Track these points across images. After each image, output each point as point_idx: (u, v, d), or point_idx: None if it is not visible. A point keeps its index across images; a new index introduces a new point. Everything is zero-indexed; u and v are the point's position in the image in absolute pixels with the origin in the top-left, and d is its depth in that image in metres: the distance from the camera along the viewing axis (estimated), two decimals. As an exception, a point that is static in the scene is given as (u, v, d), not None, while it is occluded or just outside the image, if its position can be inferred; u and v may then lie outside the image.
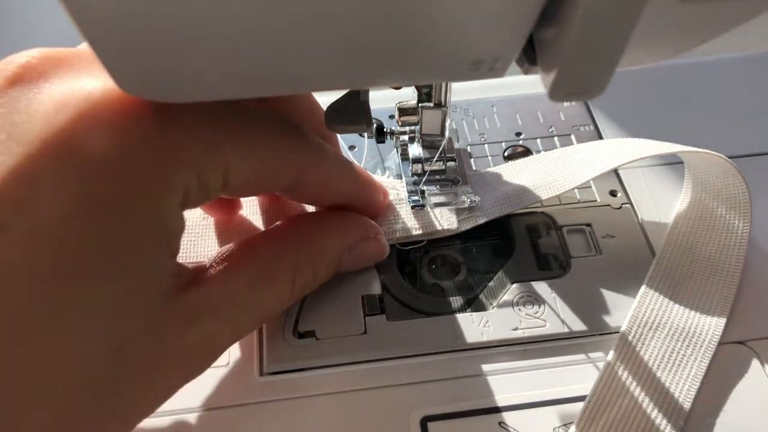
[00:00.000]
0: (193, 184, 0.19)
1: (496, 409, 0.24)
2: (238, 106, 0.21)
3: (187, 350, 0.20)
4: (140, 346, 0.19)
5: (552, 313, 0.27)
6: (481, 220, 0.29)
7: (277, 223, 0.26)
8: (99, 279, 0.18)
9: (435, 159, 0.30)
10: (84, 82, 0.18)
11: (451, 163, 0.31)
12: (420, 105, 0.29)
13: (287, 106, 0.25)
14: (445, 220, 0.29)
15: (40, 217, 0.17)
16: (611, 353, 0.25)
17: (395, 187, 0.31)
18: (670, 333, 0.26)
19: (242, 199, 0.30)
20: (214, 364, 0.25)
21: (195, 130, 0.19)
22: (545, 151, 0.32)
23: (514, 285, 0.28)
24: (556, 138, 0.34)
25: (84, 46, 0.21)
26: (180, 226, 0.20)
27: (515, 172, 0.31)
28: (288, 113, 0.24)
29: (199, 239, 0.29)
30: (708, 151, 0.28)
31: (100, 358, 0.18)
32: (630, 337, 0.25)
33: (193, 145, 0.19)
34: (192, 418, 0.24)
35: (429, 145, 0.30)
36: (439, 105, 0.28)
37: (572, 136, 0.34)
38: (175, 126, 0.19)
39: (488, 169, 0.32)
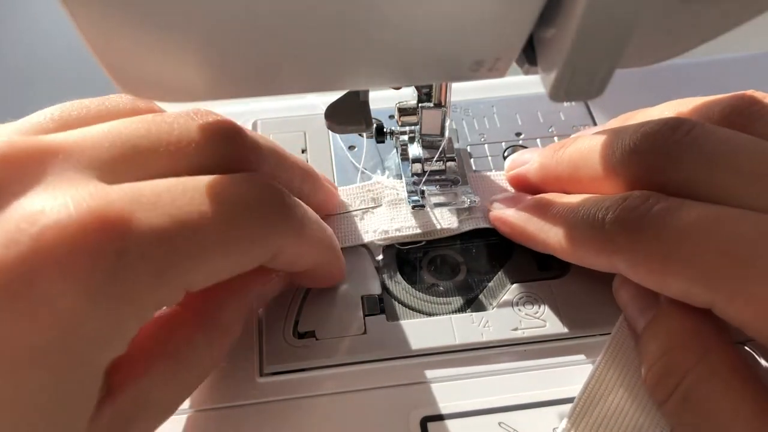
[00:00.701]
0: (151, 312, 0.18)
1: (496, 409, 0.24)
2: (211, 197, 0.19)
3: None
4: None
5: (552, 313, 0.27)
6: (482, 224, 0.29)
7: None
8: (24, 424, 0.17)
9: (435, 159, 0.30)
10: (37, 206, 0.17)
11: (451, 163, 0.31)
12: (420, 105, 0.29)
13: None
14: (445, 220, 0.29)
15: None
16: (605, 347, 0.25)
17: (395, 187, 0.31)
18: None
19: None
20: (213, 365, 0.26)
21: (161, 263, 0.18)
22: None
23: (514, 285, 0.28)
24: (556, 138, 0.34)
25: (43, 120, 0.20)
26: (123, 349, 0.19)
27: None
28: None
29: None
30: None
31: None
32: (623, 333, 0.25)
33: (150, 284, 0.18)
34: (192, 418, 0.24)
35: (429, 145, 0.30)
36: (439, 105, 0.28)
37: (572, 137, 0.34)
38: (131, 263, 0.17)
39: (489, 173, 0.32)
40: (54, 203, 0.17)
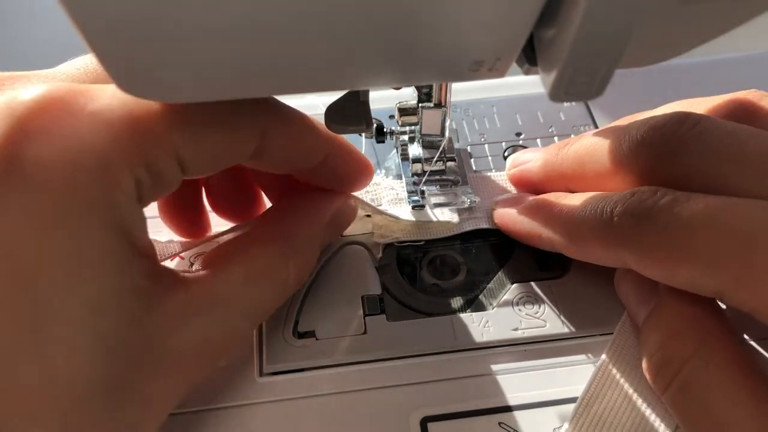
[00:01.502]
0: (145, 177, 0.19)
1: (496, 409, 0.24)
2: None
3: (180, 351, 0.20)
4: (131, 347, 0.18)
5: (552, 313, 0.27)
6: (483, 225, 0.29)
7: (258, 216, 0.26)
8: (64, 288, 0.17)
9: (435, 159, 0.30)
10: (16, 92, 0.18)
11: (451, 163, 0.31)
12: (420, 105, 0.29)
13: None
14: (444, 220, 0.29)
15: None
16: (608, 347, 0.25)
17: (394, 188, 0.31)
18: None
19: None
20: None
21: (134, 119, 0.18)
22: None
23: (514, 285, 0.28)
24: (556, 138, 0.34)
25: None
26: (140, 222, 0.20)
27: None
28: None
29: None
30: None
31: (93, 364, 0.18)
32: (625, 332, 0.25)
33: (133, 136, 0.18)
34: (191, 418, 0.24)
35: (429, 145, 0.30)
36: (439, 105, 0.28)
37: (572, 136, 0.34)
38: (112, 120, 0.18)
39: (489, 173, 0.32)
40: (20, 90, 0.18)
